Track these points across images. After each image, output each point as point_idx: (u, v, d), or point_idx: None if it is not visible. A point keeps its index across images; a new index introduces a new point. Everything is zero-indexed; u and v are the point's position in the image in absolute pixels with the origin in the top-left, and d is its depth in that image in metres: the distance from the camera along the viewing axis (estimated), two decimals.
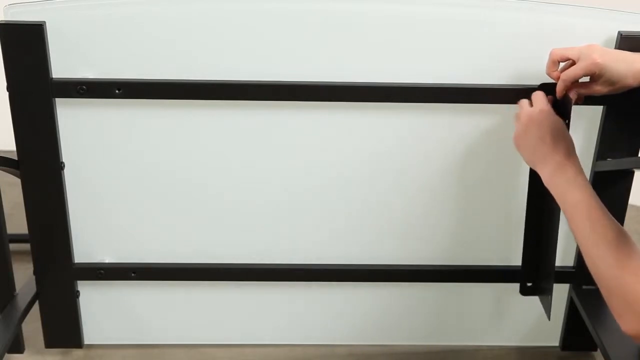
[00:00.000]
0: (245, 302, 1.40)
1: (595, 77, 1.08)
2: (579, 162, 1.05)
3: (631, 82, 1.06)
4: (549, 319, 1.25)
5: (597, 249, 0.96)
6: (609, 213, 0.99)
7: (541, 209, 1.22)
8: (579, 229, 1.00)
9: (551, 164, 1.06)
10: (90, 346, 1.42)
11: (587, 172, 1.26)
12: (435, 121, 1.24)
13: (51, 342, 1.39)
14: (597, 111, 1.23)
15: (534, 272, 1.28)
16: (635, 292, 0.91)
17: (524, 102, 1.15)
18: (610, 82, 1.07)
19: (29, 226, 1.28)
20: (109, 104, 1.21)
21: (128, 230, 1.32)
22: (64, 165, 1.25)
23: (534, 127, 1.09)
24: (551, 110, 1.10)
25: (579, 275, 1.35)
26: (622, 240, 0.96)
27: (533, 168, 1.10)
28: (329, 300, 1.40)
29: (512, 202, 1.28)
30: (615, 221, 0.98)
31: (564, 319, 1.42)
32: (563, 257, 1.35)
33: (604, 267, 0.95)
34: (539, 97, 1.13)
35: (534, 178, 1.21)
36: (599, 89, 1.09)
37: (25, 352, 1.40)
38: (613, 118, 1.22)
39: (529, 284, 1.30)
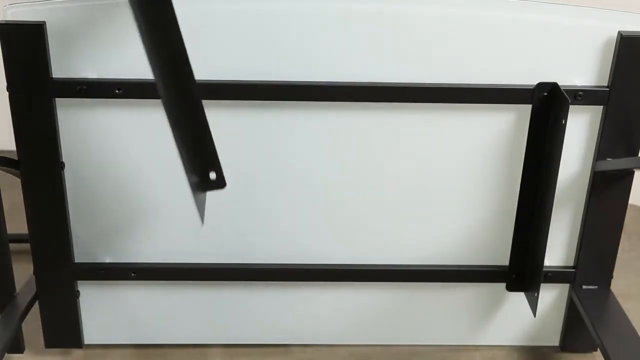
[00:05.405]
0: (246, 302, 1.40)
1: None
2: None
3: None
4: (535, 315, 1.27)
5: None
6: None
7: (533, 203, 1.23)
8: None
9: None
10: (90, 346, 1.42)
11: (587, 172, 1.27)
12: (434, 121, 1.24)
13: (51, 342, 1.39)
14: (597, 111, 1.23)
15: (522, 267, 1.28)
16: None
17: None
18: None
19: (29, 226, 1.28)
20: (109, 104, 1.21)
21: (128, 230, 1.32)
22: (64, 165, 1.25)
23: None
24: None
25: (579, 275, 1.34)
26: None
27: None
28: (329, 300, 1.40)
29: (512, 202, 1.28)
30: None
31: (564, 319, 1.42)
32: (563, 257, 1.35)
33: None
34: None
35: (527, 173, 1.21)
36: None
37: (25, 352, 1.39)
38: (613, 118, 1.22)
39: (515, 279, 1.31)
